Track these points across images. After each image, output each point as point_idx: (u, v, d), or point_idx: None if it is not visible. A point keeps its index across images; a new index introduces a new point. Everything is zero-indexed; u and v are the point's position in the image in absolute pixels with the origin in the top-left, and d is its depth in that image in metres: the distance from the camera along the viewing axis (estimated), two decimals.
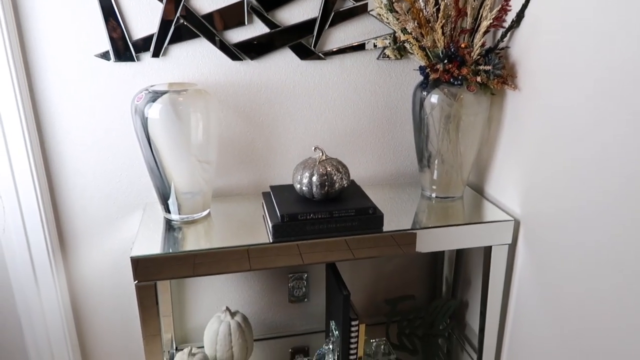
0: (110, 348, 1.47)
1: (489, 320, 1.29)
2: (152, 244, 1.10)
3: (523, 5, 1.12)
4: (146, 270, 1.05)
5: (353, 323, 1.27)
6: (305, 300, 1.55)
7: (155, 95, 1.09)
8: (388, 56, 1.33)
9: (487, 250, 1.23)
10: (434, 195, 1.33)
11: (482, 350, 1.32)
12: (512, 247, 1.23)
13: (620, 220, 0.89)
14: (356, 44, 1.31)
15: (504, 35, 1.18)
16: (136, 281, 1.06)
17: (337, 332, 1.32)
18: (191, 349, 1.28)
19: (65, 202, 1.30)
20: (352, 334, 1.28)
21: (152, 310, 1.09)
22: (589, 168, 0.96)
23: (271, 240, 1.10)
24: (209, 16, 1.21)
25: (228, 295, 1.50)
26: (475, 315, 1.44)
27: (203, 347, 1.38)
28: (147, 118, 1.09)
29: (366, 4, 1.27)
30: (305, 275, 1.53)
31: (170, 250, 1.07)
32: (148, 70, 1.23)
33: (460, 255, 1.51)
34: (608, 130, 0.90)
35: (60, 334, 1.35)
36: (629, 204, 0.87)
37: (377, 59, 1.34)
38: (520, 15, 1.14)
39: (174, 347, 1.48)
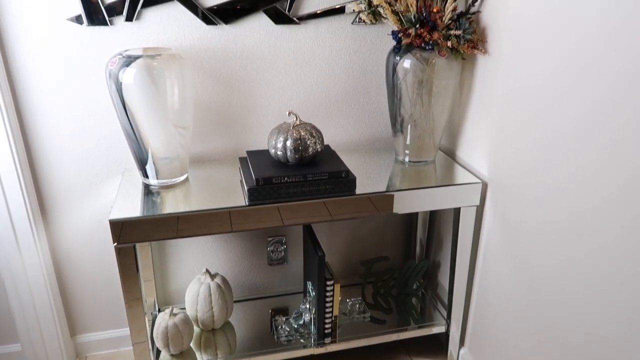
0: (94, 310, 1.51)
1: (458, 279, 1.35)
2: (131, 208, 1.12)
3: None
4: (125, 233, 1.08)
5: (328, 283, 1.31)
6: (284, 263, 1.60)
7: (129, 60, 1.10)
8: (363, 21, 1.34)
9: (457, 212, 1.28)
10: (407, 159, 1.36)
11: (451, 307, 1.39)
12: (480, 209, 1.28)
13: (582, 183, 0.94)
14: (331, 8, 1.32)
15: (475, 0, 1.19)
16: (115, 243, 1.09)
17: (313, 292, 1.37)
18: (172, 310, 1.32)
19: (44, 168, 1.31)
20: (328, 293, 1.33)
21: (132, 272, 1.13)
22: (554, 131, 0.99)
23: (247, 203, 1.13)
24: None
25: (209, 259, 1.54)
26: (446, 275, 1.50)
27: (185, 308, 1.43)
28: (121, 83, 1.09)
29: None
30: (284, 239, 1.56)
31: (150, 213, 1.09)
32: (122, 35, 1.23)
33: (434, 217, 1.56)
34: (574, 97, 0.93)
35: (44, 298, 1.38)
36: (591, 166, 0.91)
37: (352, 23, 1.35)
38: None
39: (157, 309, 1.52)
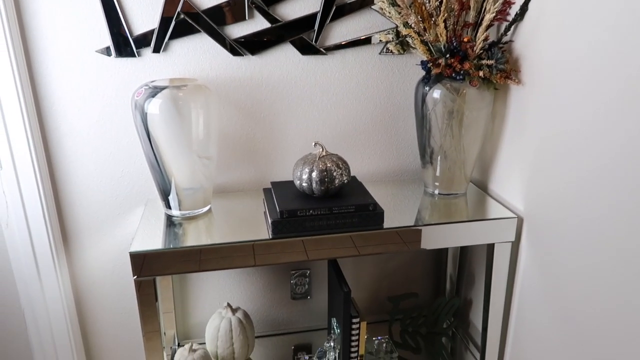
0: (113, 342, 1.47)
1: (492, 319, 1.27)
2: (152, 240, 1.10)
3: None
4: (145, 266, 1.05)
5: (354, 320, 1.26)
6: (308, 297, 1.55)
7: (155, 91, 1.09)
8: (390, 51, 1.32)
9: (490, 248, 1.21)
10: (436, 192, 1.31)
11: (485, 349, 1.31)
12: (516, 245, 1.21)
13: (627, 218, 0.87)
14: (358, 38, 1.30)
15: (507, 29, 1.16)
16: (135, 276, 1.06)
17: (338, 329, 1.32)
18: (192, 345, 1.28)
19: (68, 197, 1.31)
20: (353, 332, 1.27)
21: (152, 306, 1.09)
22: (594, 165, 0.94)
23: (270, 237, 1.09)
24: (210, 11, 1.21)
25: (231, 292, 1.50)
26: (479, 314, 1.42)
27: (205, 343, 1.38)
28: (146, 113, 1.09)
29: None
30: (308, 272, 1.52)
31: (171, 246, 1.07)
32: (149, 66, 1.23)
33: (465, 252, 1.50)
34: (614, 127, 0.88)
35: (63, 328, 1.36)
36: (636, 201, 0.85)
37: (380, 54, 1.33)
38: (524, 8, 1.12)
39: (177, 343, 1.48)
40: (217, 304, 1.50)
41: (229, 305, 1.36)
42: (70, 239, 1.35)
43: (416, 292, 1.51)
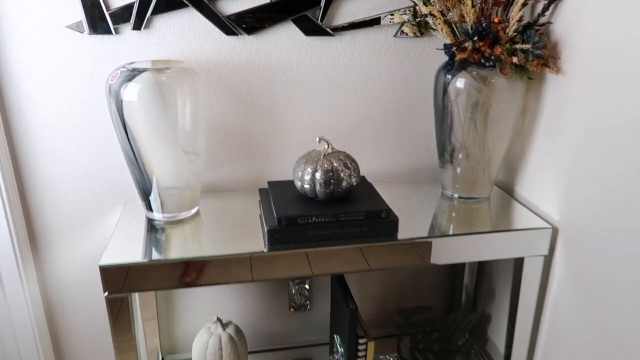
0: (88, 356, 1.33)
1: (518, 340, 1.12)
2: (129, 249, 0.94)
3: None
4: (118, 281, 0.90)
5: (360, 341, 1.11)
6: (308, 308, 1.40)
7: (133, 74, 0.93)
8: (406, 33, 1.16)
9: (519, 262, 1.06)
10: (456, 195, 1.16)
11: None
12: (548, 259, 1.06)
13: None
14: (370, 18, 1.14)
15: (545, 8, 1.00)
16: (106, 293, 0.90)
17: (342, 348, 1.17)
18: None
19: (36, 195, 1.15)
20: (359, 353, 1.12)
21: (126, 325, 0.94)
22: None
23: (266, 248, 0.93)
24: None
25: (222, 302, 1.35)
26: (498, 331, 1.28)
27: None
28: (122, 100, 0.93)
29: None
30: (309, 281, 1.37)
31: (153, 257, 0.91)
32: (128, 45, 1.07)
33: (483, 262, 1.35)
34: None
35: (30, 340, 1.21)
36: None
37: (394, 36, 1.17)
38: None
39: (160, 358, 1.34)
40: (206, 315, 1.35)
41: (218, 319, 1.21)
42: (39, 242, 1.19)
43: (429, 306, 1.36)
